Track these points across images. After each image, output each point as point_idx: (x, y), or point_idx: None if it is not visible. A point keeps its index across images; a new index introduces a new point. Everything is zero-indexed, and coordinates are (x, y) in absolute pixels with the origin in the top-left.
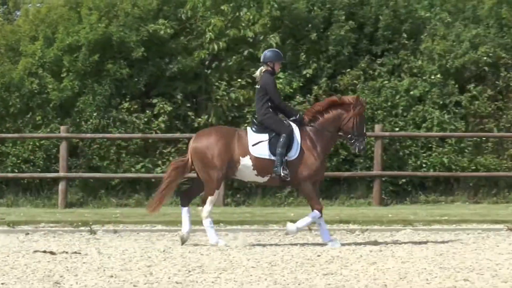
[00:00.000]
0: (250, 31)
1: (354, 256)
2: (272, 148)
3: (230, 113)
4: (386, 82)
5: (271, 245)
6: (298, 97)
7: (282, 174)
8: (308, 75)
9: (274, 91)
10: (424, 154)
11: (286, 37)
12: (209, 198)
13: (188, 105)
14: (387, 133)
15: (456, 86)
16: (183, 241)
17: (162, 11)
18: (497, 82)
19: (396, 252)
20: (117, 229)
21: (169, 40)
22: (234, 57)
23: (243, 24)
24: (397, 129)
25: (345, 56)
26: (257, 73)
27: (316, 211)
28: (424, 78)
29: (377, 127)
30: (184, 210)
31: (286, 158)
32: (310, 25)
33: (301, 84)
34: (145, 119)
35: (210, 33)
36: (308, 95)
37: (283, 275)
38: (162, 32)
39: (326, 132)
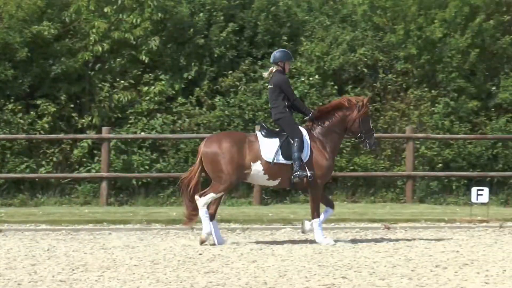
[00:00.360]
0: (132, 34)
1: (235, 254)
2: (284, 152)
3: (113, 114)
4: (266, 84)
5: (153, 244)
6: (180, 98)
7: (308, 174)
8: (190, 78)
9: (289, 89)
10: None
11: (168, 40)
12: (212, 194)
13: (72, 106)
14: None
15: (335, 87)
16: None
17: (46, 14)
18: (375, 84)
19: (276, 251)
20: (2, 228)
21: (53, 42)
22: (118, 59)
23: (126, 27)
24: (277, 129)
25: (228, 59)
26: (267, 73)
27: (315, 220)
28: (303, 79)
29: (258, 128)
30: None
31: None
32: (192, 30)
33: (183, 86)
34: (29, 120)
35: (94, 35)
36: (190, 96)
37: (165, 273)
38: (46, 33)
39: (334, 133)
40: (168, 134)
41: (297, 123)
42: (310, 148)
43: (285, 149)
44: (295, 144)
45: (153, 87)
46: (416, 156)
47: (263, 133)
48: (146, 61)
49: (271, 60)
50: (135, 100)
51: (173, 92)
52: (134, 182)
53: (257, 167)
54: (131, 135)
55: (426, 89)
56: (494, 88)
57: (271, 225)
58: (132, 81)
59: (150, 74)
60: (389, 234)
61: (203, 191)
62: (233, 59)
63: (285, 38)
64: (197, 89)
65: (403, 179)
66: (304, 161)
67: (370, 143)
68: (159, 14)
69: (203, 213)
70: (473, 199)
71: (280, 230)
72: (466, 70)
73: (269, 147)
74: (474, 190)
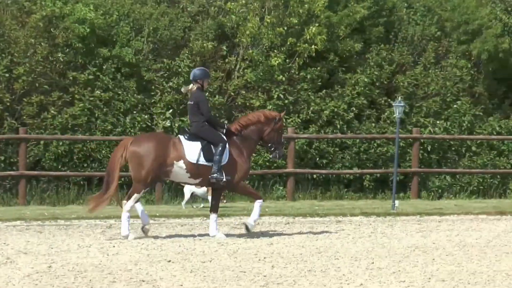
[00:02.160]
0: None
1: None
2: (205, 155)
3: None
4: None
5: None
6: None
7: (223, 179)
8: None
9: (206, 106)
10: None
11: None
12: (135, 195)
13: None
14: None
15: None
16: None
17: None
18: None
19: None
20: None
21: None
22: None
23: None
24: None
25: None
26: (187, 89)
27: (259, 200)
28: None
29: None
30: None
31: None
32: None
33: None
34: None
35: None
36: None
37: None
38: None
39: (250, 141)
40: None
41: (218, 131)
42: (230, 152)
43: (206, 152)
44: (219, 148)
45: None
46: None
47: (185, 136)
48: None
49: (191, 78)
50: None
51: None
52: None
53: (180, 165)
54: None
55: None
56: None
57: None
58: None
59: None
60: None
61: (128, 194)
62: None
63: None
64: None
65: None
66: (223, 163)
67: (278, 154)
68: None
69: (125, 217)
70: None
71: None
72: None
73: (192, 149)
74: None
